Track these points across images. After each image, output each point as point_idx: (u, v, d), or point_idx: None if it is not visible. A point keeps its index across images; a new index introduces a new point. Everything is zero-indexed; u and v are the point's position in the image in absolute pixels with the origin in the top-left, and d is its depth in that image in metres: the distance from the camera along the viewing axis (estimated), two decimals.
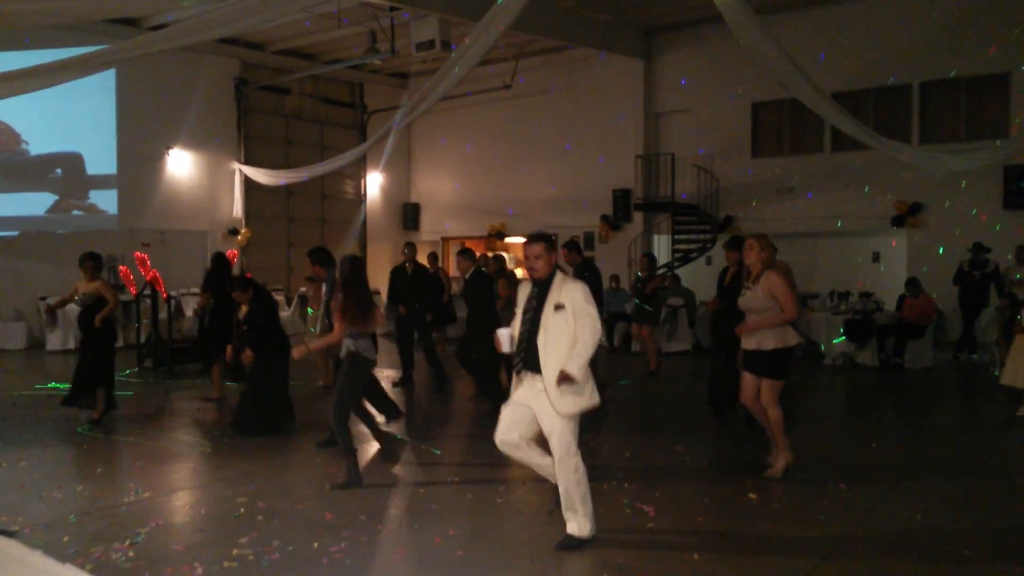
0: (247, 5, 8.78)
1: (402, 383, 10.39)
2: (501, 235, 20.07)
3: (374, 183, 21.21)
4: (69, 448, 7.44)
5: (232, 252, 12.12)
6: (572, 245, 9.60)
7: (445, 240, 21.53)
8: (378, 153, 17.53)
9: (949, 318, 13.13)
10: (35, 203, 15.96)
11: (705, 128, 17.04)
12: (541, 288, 4.86)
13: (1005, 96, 14.05)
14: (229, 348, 8.36)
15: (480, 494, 5.95)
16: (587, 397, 4.80)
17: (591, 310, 4.77)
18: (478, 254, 10.24)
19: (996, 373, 9.95)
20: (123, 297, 12.56)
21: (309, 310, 16.57)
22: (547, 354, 4.74)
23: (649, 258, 12.09)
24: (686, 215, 16.76)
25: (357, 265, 6.42)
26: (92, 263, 8.43)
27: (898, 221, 14.85)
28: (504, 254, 16.31)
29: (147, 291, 12.20)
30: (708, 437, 7.99)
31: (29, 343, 14.85)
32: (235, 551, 4.79)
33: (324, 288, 8.69)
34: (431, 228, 21.75)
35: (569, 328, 4.73)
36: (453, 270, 20.45)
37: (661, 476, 6.39)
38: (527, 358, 4.85)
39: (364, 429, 6.98)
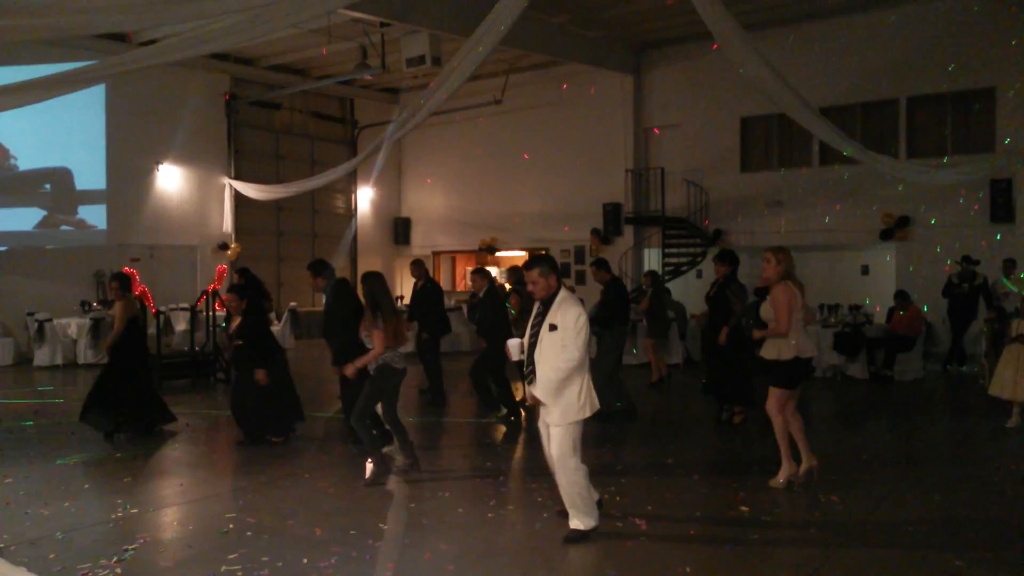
0: (237, 21, 8.78)
1: (436, 403, 10.19)
2: (492, 249, 20.09)
3: (364, 198, 21.22)
4: (55, 464, 7.36)
5: (222, 267, 12.07)
6: (600, 263, 9.63)
7: (436, 254, 21.54)
8: (369, 168, 17.53)
9: (938, 330, 13.20)
10: (24, 218, 15.89)
11: (694, 143, 17.14)
12: (545, 305, 5.20)
13: (991, 111, 14.19)
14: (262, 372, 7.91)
15: (471, 509, 5.92)
16: (577, 410, 5.08)
17: (574, 339, 5.01)
18: (469, 268, 10.27)
19: (985, 385, 9.98)
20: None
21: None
22: (540, 370, 5.10)
23: (652, 276, 12.45)
24: (676, 229, 16.83)
25: (385, 283, 6.74)
26: (115, 283, 8.30)
27: (886, 234, 14.94)
28: (492, 269, 16.33)
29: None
30: (700, 449, 7.98)
31: (17, 359, 14.73)
32: (224, 567, 4.74)
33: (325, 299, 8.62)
34: (422, 242, 21.76)
35: (558, 349, 5.04)
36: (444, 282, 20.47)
37: (653, 488, 6.38)
38: (533, 370, 5.18)
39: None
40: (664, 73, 17.61)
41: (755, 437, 8.28)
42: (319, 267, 8.33)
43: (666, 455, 7.51)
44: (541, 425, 5.32)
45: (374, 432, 6.81)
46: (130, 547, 5.10)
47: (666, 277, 16.04)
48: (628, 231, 17.80)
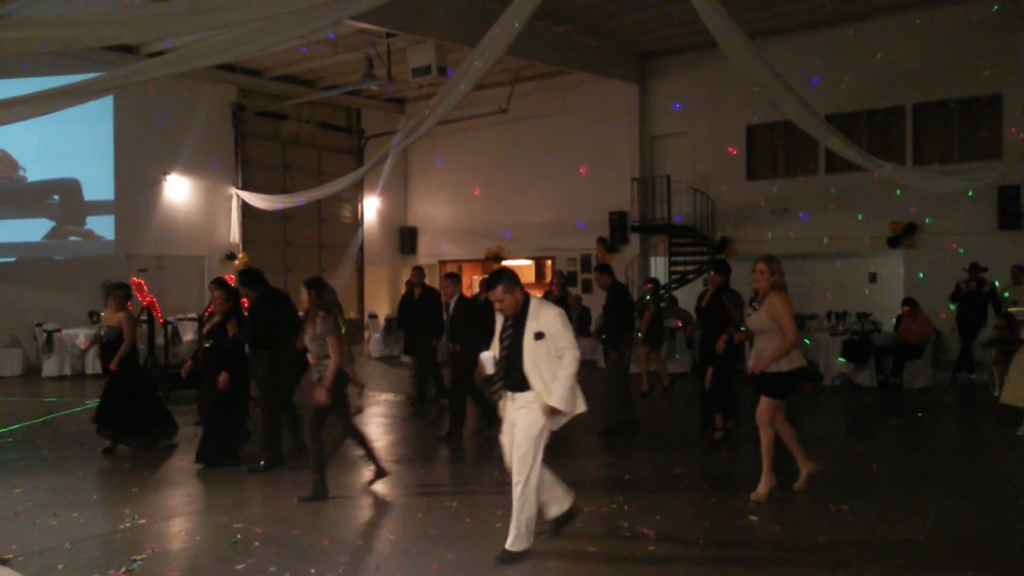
0: (244, 32, 8.83)
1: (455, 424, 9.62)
2: (498, 258, 20.08)
3: (371, 207, 21.25)
4: (63, 475, 7.37)
5: (229, 277, 12.06)
6: (603, 268, 9.59)
7: (442, 263, 21.55)
8: (375, 177, 17.57)
9: (947, 338, 13.13)
10: (32, 229, 15.96)
11: (700, 151, 17.14)
12: (516, 317, 5.09)
13: (997, 117, 14.15)
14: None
15: (478, 519, 5.90)
16: (576, 405, 5.09)
17: (569, 337, 4.99)
18: (476, 278, 10.24)
19: (995, 393, 9.93)
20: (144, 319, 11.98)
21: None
22: (538, 381, 4.98)
23: (653, 283, 12.41)
24: (682, 237, 16.81)
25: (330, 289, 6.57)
26: (121, 292, 8.12)
27: (894, 242, 14.90)
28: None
29: (144, 316, 12.17)
30: (706, 459, 7.95)
31: (25, 369, 14.78)
32: None
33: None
34: (428, 252, 21.76)
35: (552, 355, 4.97)
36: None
37: (660, 498, 6.36)
38: (507, 379, 5.12)
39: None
40: (669, 82, 17.61)
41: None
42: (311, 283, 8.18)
43: (674, 465, 7.48)
44: (508, 428, 5.15)
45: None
46: (138, 557, 5.10)
47: (673, 285, 16.02)
48: (634, 239, 17.79)
